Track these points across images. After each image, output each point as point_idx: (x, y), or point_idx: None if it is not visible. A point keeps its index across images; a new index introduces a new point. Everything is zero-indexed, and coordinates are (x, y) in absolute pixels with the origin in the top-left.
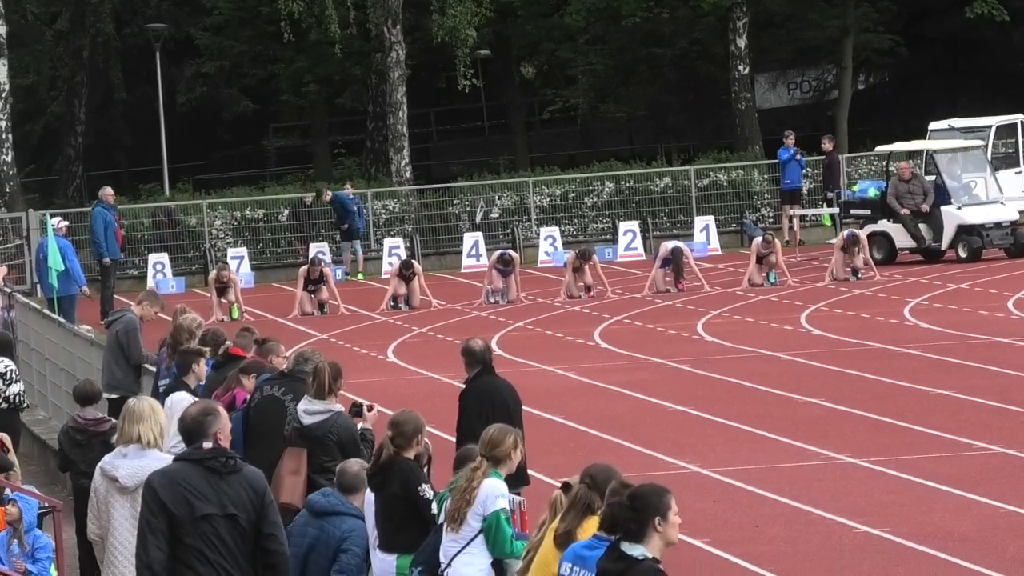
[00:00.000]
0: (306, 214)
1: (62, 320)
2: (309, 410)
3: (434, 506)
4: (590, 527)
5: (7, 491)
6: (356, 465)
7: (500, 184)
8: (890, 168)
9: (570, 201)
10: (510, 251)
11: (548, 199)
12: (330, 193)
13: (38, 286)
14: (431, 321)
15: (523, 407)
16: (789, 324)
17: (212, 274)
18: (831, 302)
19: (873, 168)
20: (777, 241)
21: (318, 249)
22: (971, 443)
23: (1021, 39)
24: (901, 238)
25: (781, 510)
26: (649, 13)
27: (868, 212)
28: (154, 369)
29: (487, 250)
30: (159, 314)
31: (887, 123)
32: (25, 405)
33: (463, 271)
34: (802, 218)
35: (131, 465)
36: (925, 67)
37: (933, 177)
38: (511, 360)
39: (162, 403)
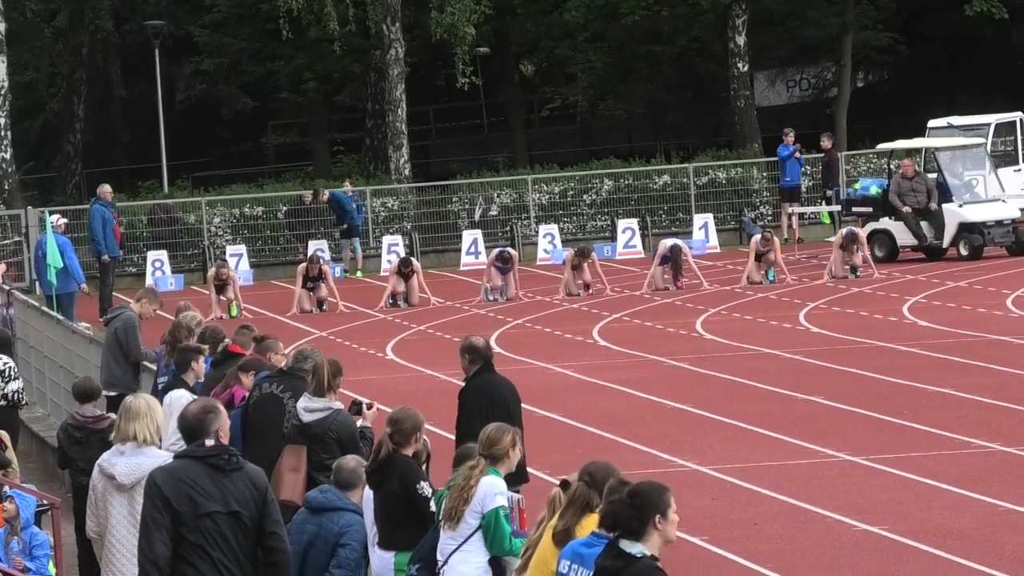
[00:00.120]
0: (305, 212)
1: (61, 317)
2: (309, 408)
3: (432, 504)
4: (589, 525)
5: (5, 488)
6: (353, 461)
7: (499, 182)
8: (892, 166)
9: (569, 199)
10: (509, 249)
11: (547, 197)
12: (327, 192)
13: (37, 283)
14: (430, 319)
15: (522, 405)
16: (788, 322)
17: (211, 271)
18: (830, 300)
19: (872, 166)
20: (776, 239)
21: (317, 247)
22: (970, 441)
23: (1020, 37)
24: (903, 236)
25: (780, 508)
26: (648, 11)
27: (870, 210)
28: (154, 366)
29: (486, 248)
30: (158, 311)
31: (886, 121)
32: (24, 402)
33: (462, 269)
34: (801, 216)
35: (128, 463)
36: (924, 65)
37: (935, 175)
38: (510, 358)
39: (161, 400)
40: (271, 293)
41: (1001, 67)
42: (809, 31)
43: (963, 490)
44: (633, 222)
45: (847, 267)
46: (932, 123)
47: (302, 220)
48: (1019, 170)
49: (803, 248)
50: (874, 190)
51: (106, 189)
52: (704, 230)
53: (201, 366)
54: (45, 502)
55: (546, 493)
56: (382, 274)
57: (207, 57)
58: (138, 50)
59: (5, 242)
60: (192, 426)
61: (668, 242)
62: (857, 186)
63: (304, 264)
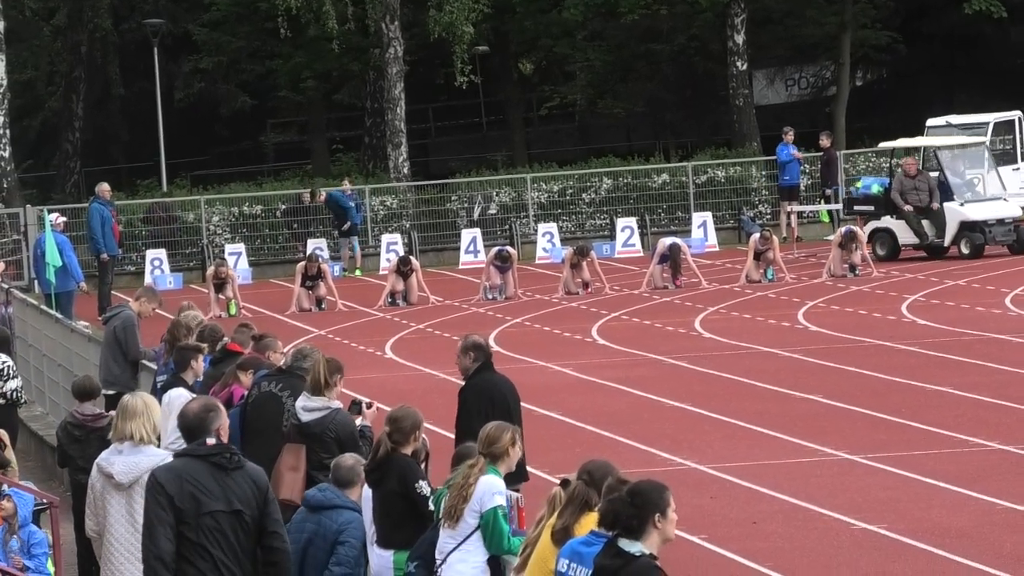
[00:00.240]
0: (303, 211)
1: (60, 316)
2: (307, 407)
3: (431, 503)
4: (587, 523)
5: (4, 486)
6: (351, 459)
7: (498, 180)
8: (895, 164)
9: (568, 197)
10: (508, 247)
11: (546, 195)
12: (324, 193)
13: (36, 282)
14: (429, 317)
15: (521, 404)
16: (786, 320)
17: (210, 270)
18: (829, 298)
19: (870, 164)
20: (775, 237)
21: (316, 245)
22: (968, 439)
23: (1019, 36)
24: (904, 235)
25: (778, 506)
26: (647, 9)
27: (871, 208)
28: (153, 365)
29: (485, 246)
30: (157, 310)
31: (885, 119)
32: (23, 401)
33: (461, 267)
34: (800, 214)
35: (126, 462)
36: (923, 63)
37: (936, 173)
38: (509, 356)
39: (159, 399)
40: (270, 291)
41: (1000, 66)
42: (808, 30)
43: (962, 488)
44: (632, 221)
45: (846, 266)
46: (931, 122)
47: (300, 219)
48: (1018, 169)
49: (802, 247)
50: (876, 189)
51: (105, 187)
52: (703, 229)
53: (200, 365)
54: (43, 501)
55: (544, 492)
56: (381, 273)
57: (206, 55)
58: (137, 48)
59: (4, 240)
60: (193, 425)
61: (667, 241)
62: (859, 185)
63: (303, 263)
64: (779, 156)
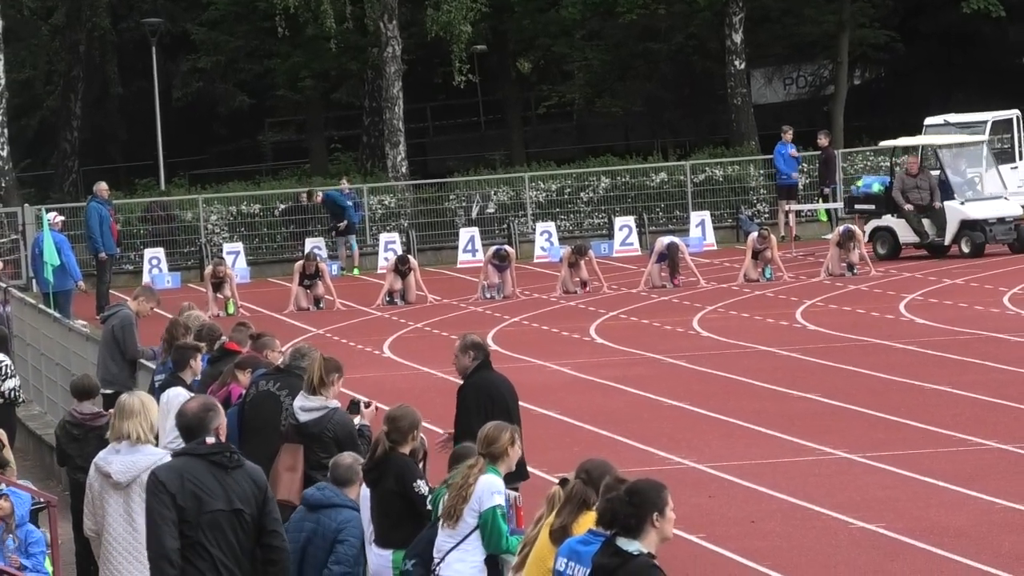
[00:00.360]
0: (301, 210)
1: (58, 315)
2: (305, 407)
3: (429, 502)
4: (586, 522)
5: (1, 485)
6: (349, 458)
7: (496, 179)
8: (895, 163)
9: (566, 196)
10: (506, 246)
11: (544, 194)
12: (320, 193)
13: (34, 281)
14: (427, 316)
15: (519, 402)
16: (785, 320)
17: (208, 269)
18: (827, 297)
19: (868, 163)
20: (773, 236)
21: (314, 244)
22: (967, 439)
23: (1017, 34)
24: (905, 233)
25: (777, 506)
26: (645, 8)
27: (872, 207)
28: (151, 364)
29: (483, 245)
30: (155, 309)
31: (883, 118)
32: (21, 400)
33: (459, 266)
34: (798, 213)
35: (124, 461)
36: (921, 62)
37: (937, 172)
38: (507, 355)
39: (157, 398)
40: (268, 290)
41: (998, 64)
42: (806, 28)
43: (960, 487)
44: (630, 219)
45: (844, 264)
46: (929, 120)
47: (298, 218)
48: (1016, 167)
49: (800, 246)
50: (876, 188)
51: (102, 187)
52: (701, 227)
53: (198, 364)
54: (41, 500)
55: (542, 491)
56: (379, 272)
57: (204, 55)
58: (135, 48)
59: (2, 240)
60: (192, 424)
61: (665, 239)
62: (859, 183)
63: (301, 262)
64: (777, 156)
